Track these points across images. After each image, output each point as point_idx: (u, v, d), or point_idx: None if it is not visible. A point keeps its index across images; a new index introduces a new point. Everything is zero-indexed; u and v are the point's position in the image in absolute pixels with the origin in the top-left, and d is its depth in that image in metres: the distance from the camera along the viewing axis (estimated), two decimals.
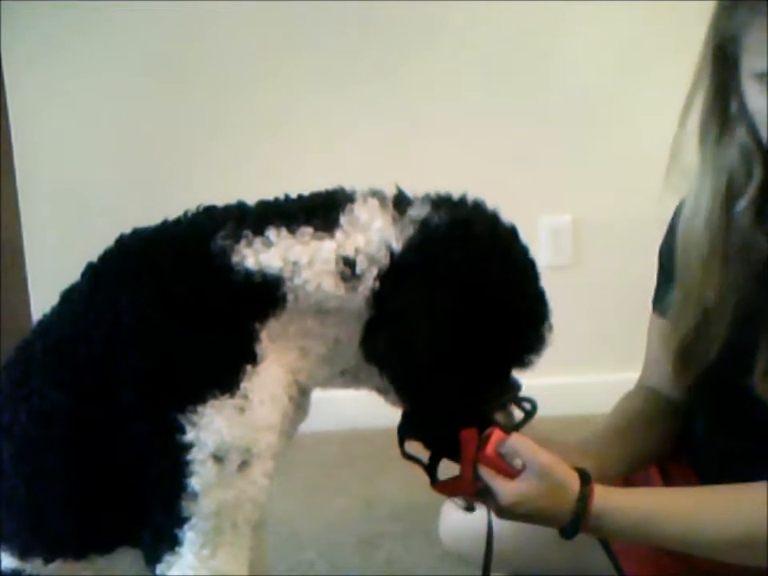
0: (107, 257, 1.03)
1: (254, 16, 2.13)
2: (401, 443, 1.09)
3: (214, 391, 0.94)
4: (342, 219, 0.99)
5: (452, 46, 2.19)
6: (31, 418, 0.98)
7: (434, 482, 1.10)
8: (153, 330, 0.96)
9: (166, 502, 0.95)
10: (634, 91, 2.24)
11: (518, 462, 1.05)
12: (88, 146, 2.21)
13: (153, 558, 0.98)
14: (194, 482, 0.94)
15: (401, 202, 1.02)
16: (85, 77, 2.15)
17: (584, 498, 1.05)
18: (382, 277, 0.98)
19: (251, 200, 1.04)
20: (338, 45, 2.17)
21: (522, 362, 1.06)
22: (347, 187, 1.04)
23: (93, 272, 1.03)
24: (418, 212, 1.01)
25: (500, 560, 1.38)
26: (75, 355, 0.98)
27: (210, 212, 1.04)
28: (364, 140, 2.19)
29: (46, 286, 2.03)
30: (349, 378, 1.06)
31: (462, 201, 1.04)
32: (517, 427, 1.08)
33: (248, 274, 0.97)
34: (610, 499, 1.07)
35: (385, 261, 0.98)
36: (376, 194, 1.03)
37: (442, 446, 1.08)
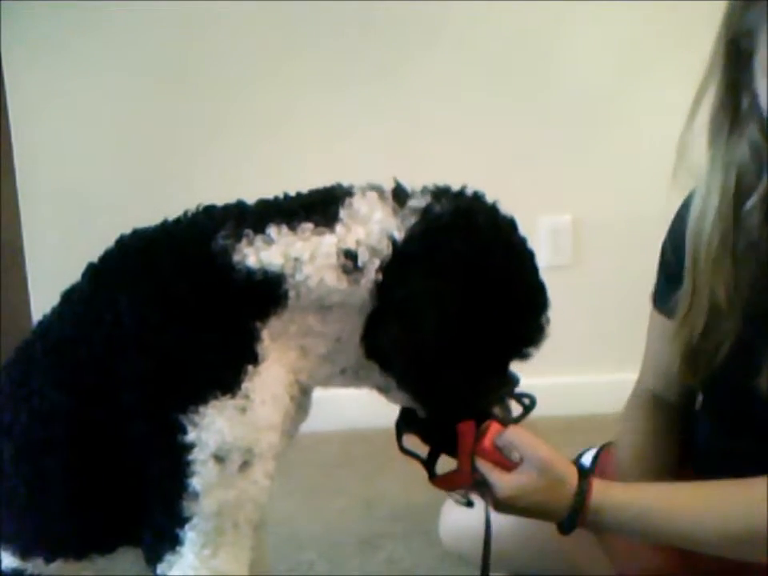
0: (107, 257, 1.03)
1: (254, 16, 2.13)
2: (399, 437, 1.09)
3: (215, 391, 0.94)
4: (342, 213, 0.99)
5: (452, 45, 2.19)
6: (32, 418, 0.98)
7: (432, 476, 1.09)
8: (153, 331, 0.96)
9: (167, 502, 0.95)
10: (633, 91, 2.24)
11: (515, 455, 1.04)
12: (88, 146, 2.21)
13: (154, 557, 0.98)
14: (196, 482, 0.94)
15: (400, 194, 1.02)
16: (85, 77, 2.15)
17: (582, 492, 1.04)
18: (385, 268, 0.98)
19: (252, 200, 1.04)
20: (338, 45, 2.17)
21: (521, 354, 1.06)
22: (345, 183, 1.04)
23: (93, 272, 1.03)
24: (418, 202, 1.01)
25: (500, 560, 1.38)
26: (76, 355, 0.97)
27: (209, 212, 1.04)
28: (364, 140, 2.19)
29: (46, 286, 2.03)
30: (349, 376, 1.06)
31: (462, 192, 1.04)
32: (515, 421, 1.08)
33: (249, 273, 0.97)
34: (608, 494, 1.06)
35: (387, 251, 0.98)
36: (374, 187, 1.03)
37: (440, 439, 1.08)
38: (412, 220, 0.99)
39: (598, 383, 2.34)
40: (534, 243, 1.07)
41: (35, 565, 1.02)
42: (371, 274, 0.98)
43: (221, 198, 1.06)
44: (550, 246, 2.29)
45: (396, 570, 1.73)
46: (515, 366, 1.10)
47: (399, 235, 0.98)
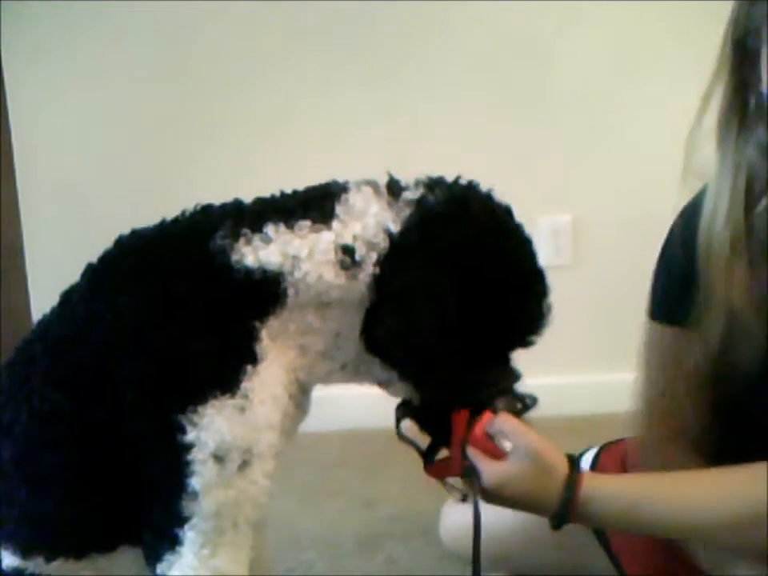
0: (107, 257, 1.03)
1: (254, 16, 2.13)
2: (397, 424, 1.09)
3: (214, 391, 0.94)
4: (338, 209, 0.99)
5: (452, 46, 2.19)
6: (32, 418, 0.98)
7: (428, 465, 1.09)
8: (153, 331, 0.96)
9: (167, 501, 0.95)
10: (634, 91, 2.24)
11: (507, 445, 1.03)
12: (88, 146, 2.21)
13: (153, 557, 0.98)
14: (195, 482, 0.94)
15: (394, 188, 1.02)
16: (85, 77, 2.16)
17: (572, 483, 1.02)
18: (382, 261, 0.98)
19: (251, 199, 1.05)
20: (339, 45, 2.17)
21: (523, 341, 1.06)
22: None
23: (92, 273, 1.03)
24: (413, 194, 1.01)
25: (500, 560, 1.38)
26: (75, 355, 0.98)
27: (207, 211, 1.04)
28: (364, 139, 2.19)
29: (45, 287, 2.03)
30: (349, 371, 1.06)
31: (456, 181, 1.05)
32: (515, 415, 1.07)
33: (248, 272, 0.97)
34: (598, 485, 1.04)
35: (384, 244, 0.98)
36: (369, 182, 1.03)
37: (436, 427, 1.07)
38: (407, 211, 1.00)
39: (597, 383, 2.34)
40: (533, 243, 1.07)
41: (36, 564, 1.02)
42: (369, 268, 0.98)
43: (221, 198, 1.06)
44: (550, 246, 2.29)
45: (396, 570, 1.72)
46: (517, 363, 1.10)
47: (395, 227, 0.99)
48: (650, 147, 2.22)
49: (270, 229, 0.98)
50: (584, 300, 2.27)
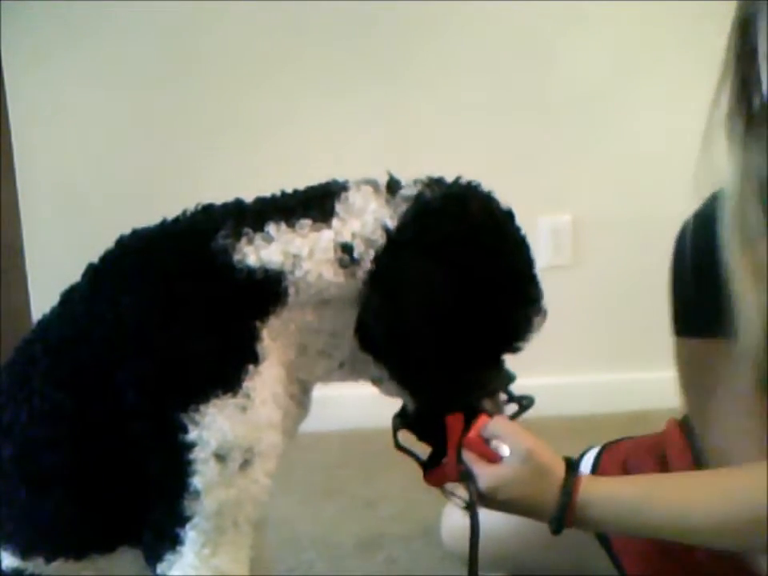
0: (108, 257, 1.03)
1: (255, 16, 2.13)
2: (394, 434, 1.09)
3: (216, 390, 0.94)
4: (338, 207, 1.00)
5: (452, 46, 2.19)
6: (32, 418, 0.98)
7: (426, 473, 1.09)
8: (155, 330, 0.96)
9: (168, 501, 0.95)
10: (634, 91, 2.24)
11: (504, 449, 1.03)
12: (88, 146, 2.21)
13: (154, 557, 0.98)
14: (196, 481, 0.94)
15: (393, 186, 1.03)
16: (85, 77, 2.15)
17: (569, 485, 1.02)
18: (379, 256, 0.98)
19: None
20: (339, 45, 2.17)
21: (510, 346, 1.05)
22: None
23: (93, 272, 1.02)
24: (410, 191, 1.02)
25: (500, 560, 1.38)
26: (76, 355, 0.98)
27: (208, 211, 1.04)
28: (364, 139, 2.19)
29: (45, 287, 2.03)
30: (347, 369, 1.06)
31: (456, 181, 1.05)
32: (511, 418, 1.07)
33: (250, 272, 0.97)
34: (596, 488, 1.03)
35: (381, 241, 0.98)
36: (369, 181, 1.03)
37: (431, 432, 1.07)
38: (404, 207, 1.00)
39: (597, 383, 2.34)
40: (533, 243, 1.07)
41: (35, 564, 1.01)
42: (367, 265, 0.98)
43: (221, 198, 1.06)
44: (550, 246, 2.29)
45: (396, 570, 1.72)
46: (515, 366, 1.10)
47: (392, 223, 0.99)
48: (649, 147, 2.22)
49: (271, 228, 0.98)
50: (584, 300, 2.27)
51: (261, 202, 1.04)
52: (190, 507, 0.94)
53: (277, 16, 2.14)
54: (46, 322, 1.04)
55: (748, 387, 1.06)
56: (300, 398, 1.06)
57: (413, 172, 1.06)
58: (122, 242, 1.04)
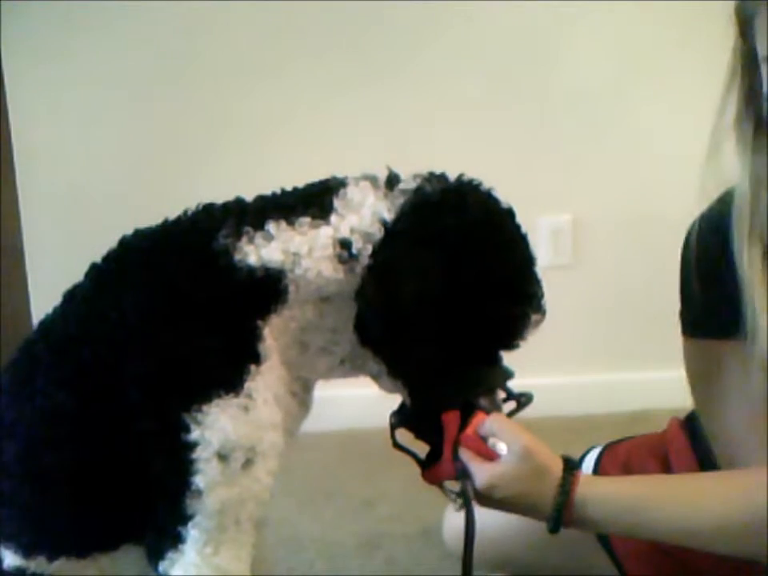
0: (111, 257, 1.03)
1: (255, 16, 2.13)
2: (392, 433, 1.09)
3: (218, 390, 0.95)
4: (336, 203, 1.00)
5: (452, 45, 2.19)
6: (35, 417, 0.98)
7: (424, 471, 1.09)
8: (158, 330, 0.96)
9: (171, 499, 0.95)
10: (634, 91, 2.24)
11: (501, 447, 1.02)
12: (88, 146, 2.21)
13: (156, 555, 0.98)
14: (199, 480, 0.94)
15: (392, 180, 1.03)
16: (85, 77, 2.15)
17: (566, 484, 1.01)
18: (376, 250, 0.98)
19: None
20: (339, 45, 2.17)
21: (507, 342, 1.05)
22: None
23: (96, 272, 1.03)
24: (409, 184, 1.02)
25: (500, 560, 1.38)
26: (79, 355, 0.98)
27: (209, 210, 1.04)
28: (364, 139, 2.19)
29: (46, 287, 2.03)
30: (348, 366, 1.06)
31: (458, 178, 1.05)
32: (509, 415, 1.07)
33: (250, 271, 0.97)
34: (594, 487, 1.03)
35: (379, 235, 0.98)
36: (368, 177, 1.04)
37: (427, 430, 1.07)
38: (402, 200, 1.00)
39: (597, 383, 2.34)
40: (533, 243, 1.07)
41: (37, 563, 1.02)
42: (365, 260, 0.98)
43: (222, 198, 1.06)
44: (550, 246, 2.29)
45: (396, 570, 1.72)
46: (515, 366, 1.09)
47: (389, 216, 0.99)
48: (650, 147, 2.23)
49: (271, 226, 0.99)
50: (584, 300, 2.27)
51: (261, 199, 1.04)
52: (192, 506, 0.95)
53: (277, 16, 2.14)
54: (48, 321, 1.04)
55: (758, 388, 1.05)
56: (302, 395, 1.07)
57: (413, 171, 1.06)
58: (124, 242, 1.04)
